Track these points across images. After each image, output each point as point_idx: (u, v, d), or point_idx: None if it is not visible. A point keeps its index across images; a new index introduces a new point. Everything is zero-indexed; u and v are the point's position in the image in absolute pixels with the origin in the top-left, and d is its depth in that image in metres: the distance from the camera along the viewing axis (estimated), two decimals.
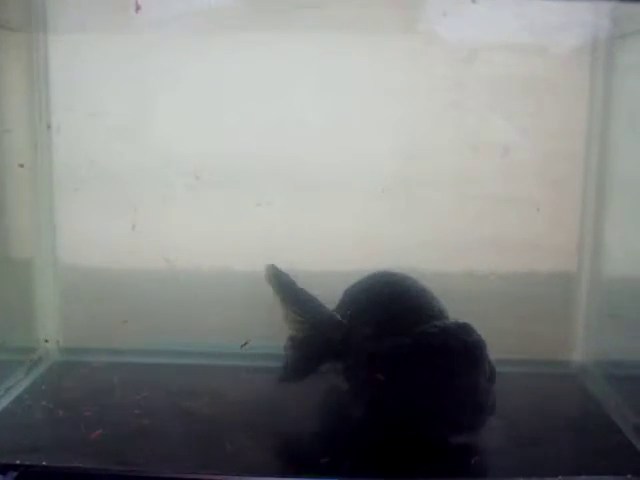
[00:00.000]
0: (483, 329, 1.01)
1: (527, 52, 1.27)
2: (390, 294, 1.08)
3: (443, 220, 1.34)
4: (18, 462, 0.94)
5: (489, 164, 1.32)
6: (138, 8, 1.18)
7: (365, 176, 1.34)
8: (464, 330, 0.98)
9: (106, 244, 1.36)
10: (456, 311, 1.07)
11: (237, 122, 1.32)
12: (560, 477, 0.95)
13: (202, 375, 1.29)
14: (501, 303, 1.30)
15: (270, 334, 1.27)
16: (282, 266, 1.27)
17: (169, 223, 1.36)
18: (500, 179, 1.33)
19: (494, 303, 1.29)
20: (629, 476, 0.95)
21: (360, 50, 1.29)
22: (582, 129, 1.31)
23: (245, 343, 1.23)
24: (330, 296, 1.17)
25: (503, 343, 1.05)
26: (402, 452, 0.99)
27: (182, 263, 1.36)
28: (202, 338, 1.37)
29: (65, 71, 1.33)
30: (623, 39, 1.26)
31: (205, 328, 1.36)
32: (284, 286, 1.15)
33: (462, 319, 1.02)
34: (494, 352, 1.02)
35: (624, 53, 1.26)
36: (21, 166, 1.31)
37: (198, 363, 1.34)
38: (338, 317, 1.11)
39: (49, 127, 1.34)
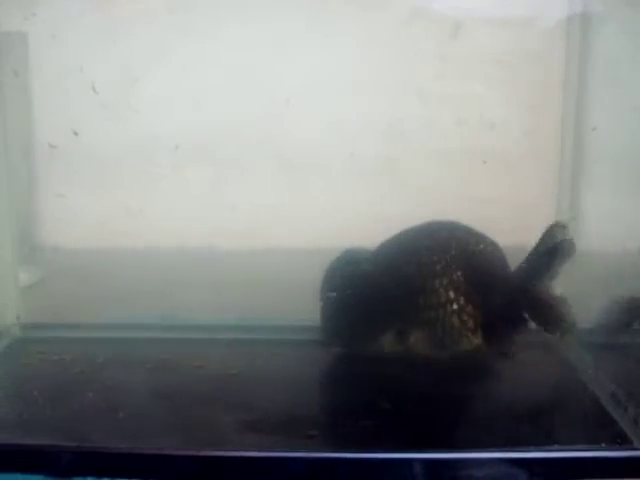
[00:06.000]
0: None
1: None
2: None
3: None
4: None
5: (469, 126, 1.32)
6: None
7: (348, 150, 1.32)
8: None
9: (83, 222, 1.35)
10: None
11: (220, 97, 1.30)
12: (532, 447, 0.92)
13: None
14: None
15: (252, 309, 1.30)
16: (267, 243, 1.27)
17: (152, 200, 1.35)
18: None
19: None
20: (603, 445, 0.93)
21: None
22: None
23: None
24: (314, 274, 1.14)
25: None
26: None
27: (165, 240, 1.34)
28: (180, 314, 1.34)
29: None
30: None
31: (183, 305, 1.33)
32: None
33: None
34: None
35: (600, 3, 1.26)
36: None
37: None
38: None
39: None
